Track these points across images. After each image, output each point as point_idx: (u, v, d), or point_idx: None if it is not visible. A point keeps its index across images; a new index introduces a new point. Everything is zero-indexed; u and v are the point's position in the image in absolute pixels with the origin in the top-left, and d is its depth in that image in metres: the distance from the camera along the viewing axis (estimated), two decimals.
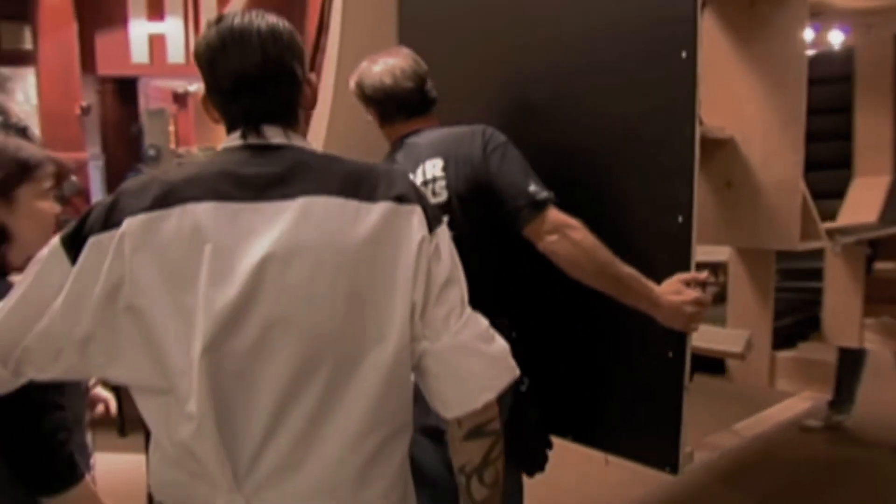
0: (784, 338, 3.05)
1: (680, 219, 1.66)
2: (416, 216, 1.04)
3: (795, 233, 2.35)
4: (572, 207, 1.69)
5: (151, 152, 7.67)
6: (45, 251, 1.04)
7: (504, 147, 1.77)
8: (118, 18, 10.86)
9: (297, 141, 1.10)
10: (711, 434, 2.52)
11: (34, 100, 10.66)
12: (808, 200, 2.47)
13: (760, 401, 3.20)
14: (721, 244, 2.87)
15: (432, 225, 1.07)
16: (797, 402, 2.95)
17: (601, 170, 1.85)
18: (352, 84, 1.94)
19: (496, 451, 1.08)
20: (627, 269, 1.62)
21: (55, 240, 1.04)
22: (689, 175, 1.63)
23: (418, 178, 1.80)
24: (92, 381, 1.46)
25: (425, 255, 1.03)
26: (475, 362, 1.04)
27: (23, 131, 9.22)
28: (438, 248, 1.07)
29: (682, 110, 1.64)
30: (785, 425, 2.81)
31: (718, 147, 2.49)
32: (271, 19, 1.08)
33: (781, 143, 2.37)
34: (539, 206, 1.66)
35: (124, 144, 9.34)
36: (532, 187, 1.68)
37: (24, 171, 1.35)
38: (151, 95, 12.27)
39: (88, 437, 1.39)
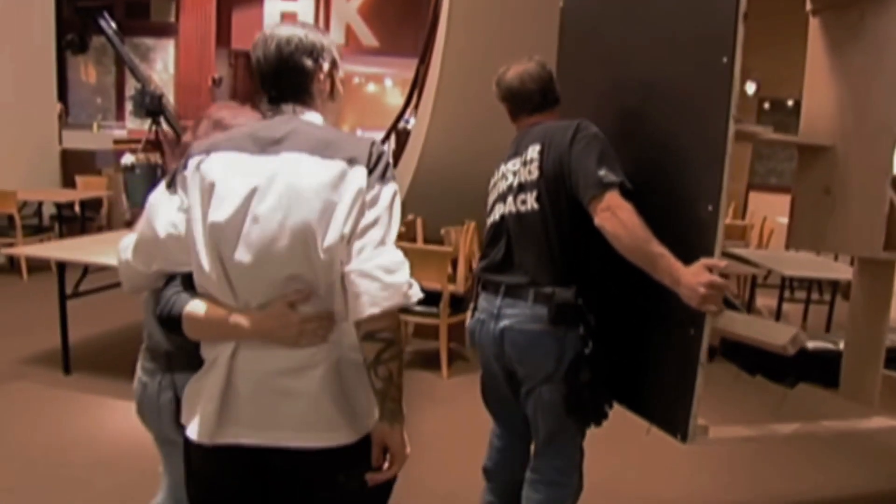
0: None
1: (710, 208, 1.88)
2: (359, 174, 1.43)
3: (879, 241, 2.45)
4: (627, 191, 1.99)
5: None
6: (159, 188, 1.59)
7: (590, 137, 2.09)
8: None
9: (304, 115, 1.54)
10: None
11: (172, 69, 11.70)
12: None
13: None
14: (816, 250, 2.92)
15: (373, 182, 1.44)
16: (883, 421, 2.93)
17: (655, 159, 2.13)
18: (493, 86, 2.38)
19: (387, 354, 1.43)
20: (660, 249, 1.88)
21: (163, 182, 1.58)
22: (720, 168, 1.84)
23: (523, 158, 2.22)
24: None
25: (358, 202, 1.42)
26: (370, 284, 1.39)
27: (159, 98, 10.16)
28: (375, 198, 1.44)
29: (720, 109, 1.85)
30: (848, 433, 2.81)
31: (819, 154, 2.62)
32: (292, 30, 1.53)
33: (872, 152, 2.47)
34: (603, 187, 1.98)
35: None
36: (602, 171, 1.99)
37: None
38: None
39: None
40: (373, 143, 1.49)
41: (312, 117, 1.55)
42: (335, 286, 1.44)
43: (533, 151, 2.18)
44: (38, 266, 6.57)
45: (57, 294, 4.34)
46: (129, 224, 8.96)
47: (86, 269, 4.61)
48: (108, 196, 8.50)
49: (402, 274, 1.42)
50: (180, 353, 1.72)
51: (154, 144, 10.02)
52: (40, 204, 7.76)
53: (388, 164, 1.48)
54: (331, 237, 1.40)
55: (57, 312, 4.34)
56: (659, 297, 1.94)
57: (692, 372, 1.92)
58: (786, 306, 6.43)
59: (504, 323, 2.18)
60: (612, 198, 1.96)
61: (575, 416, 2.17)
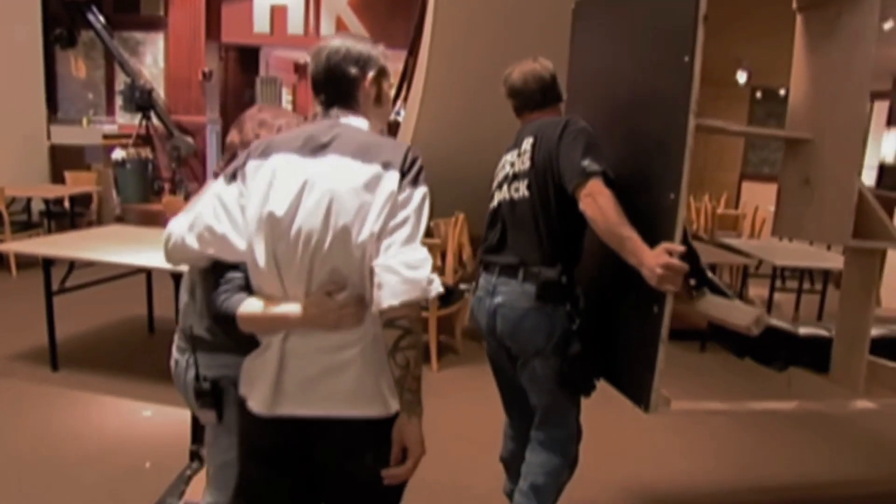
0: None
1: (672, 196, 2.02)
2: (393, 178, 1.57)
3: (848, 230, 2.57)
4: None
5: None
6: (218, 180, 1.71)
7: (577, 132, 2.28)
8: None
9: (349, 120, 1.70)
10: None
11: (161, 63, 11.70)
12: (871, 200, 2.63)
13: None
14: (796, 238, 3.08)
15: (405, 185, 1.58)
16: (860, 402, 3.00)
17: (633, 152, 2.30)
18: (500, 85, 2.60)
19: (404, 342, 1.55)
20: (629, 232, 2.03)
21: (221, 176, 1.71)
22: (681, 160, 1.98)
23: (519, 150, 2.45)
24: None
25: (389, 203, 1.56)
26: (392, 278, 1.52)
27: (149, 93, 10.20)
28: (406, 200, 1.58)
29: (681, 104, 1.98)
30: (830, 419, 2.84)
31: (800, 146, 2.75)
32: (341, 41, 1.71)
33: (844, 144, 2.60)
34: (586, 176, 2.15)
35: (241, 109, 10.01)
36: (586, 162, 2.17)
37: None
38: (272, 65, 13.20)
39: None
40: (409, 149, 1.64)
41: (357, 121, 1.71)
42: (367, 278, 1.58)
43: (527, 144, 2.41)
44: (27, 262, 6.63)
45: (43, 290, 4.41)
46: (120, 219, 9.01)
47: (71, 265, 4.67)
48: (98, 191, 8.56)
49: (424, 270, 1.55)
50: (204, 337, 1.94)
51: (144, 139, 10.05)
52: (29, 200, 7.82)
53: (420, 169, 1.63)
54: (363, 234, 1.55)
55: (44, 309, 4.41)
56: (630, 277, 2.10)
57: (655, 346, 2.10)
58: (778, 296, 6.50)
59: (497, 300, 2.42)
60: (594, 185, 2.14)
61: (568, 388, 2.38)
